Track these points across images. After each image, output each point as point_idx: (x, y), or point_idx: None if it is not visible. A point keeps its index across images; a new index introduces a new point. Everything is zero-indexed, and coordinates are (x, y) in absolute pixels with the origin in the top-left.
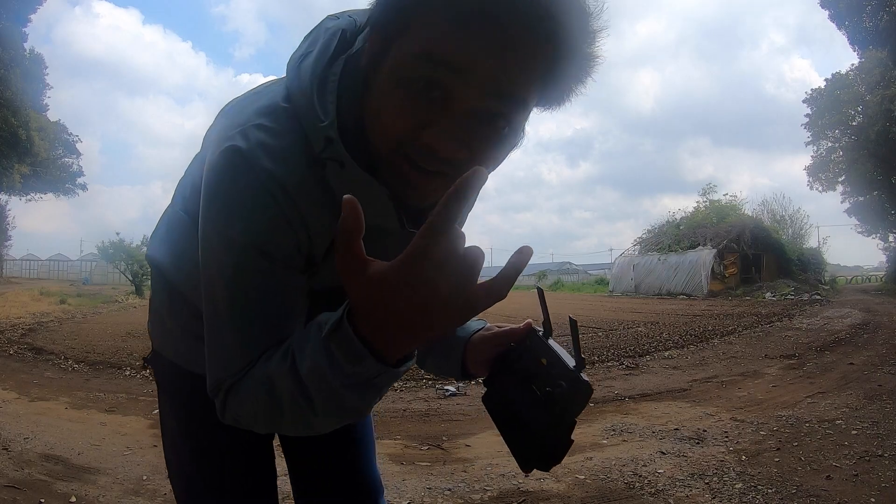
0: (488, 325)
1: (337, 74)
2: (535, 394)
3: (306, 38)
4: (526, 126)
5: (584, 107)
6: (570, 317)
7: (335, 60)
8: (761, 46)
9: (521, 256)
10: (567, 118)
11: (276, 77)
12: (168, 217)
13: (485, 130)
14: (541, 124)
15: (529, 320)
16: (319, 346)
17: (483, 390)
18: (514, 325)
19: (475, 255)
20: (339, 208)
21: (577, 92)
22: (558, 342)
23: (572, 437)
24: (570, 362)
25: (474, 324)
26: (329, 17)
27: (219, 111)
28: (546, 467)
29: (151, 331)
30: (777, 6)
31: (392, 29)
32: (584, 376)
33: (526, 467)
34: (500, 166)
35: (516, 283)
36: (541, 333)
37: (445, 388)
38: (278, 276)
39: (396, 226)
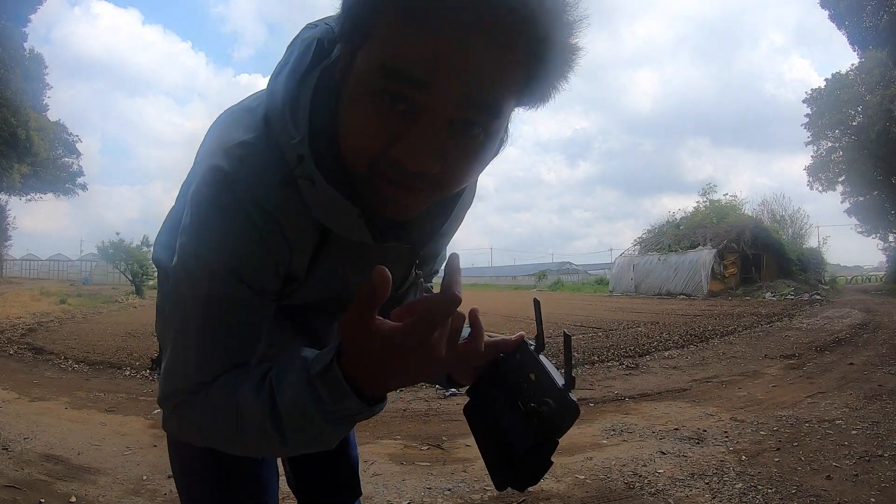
0: None
1: (311, 88)
2: (521, 411)
3: (287, 49)
4: (509, 127)
5: (584, 107)
6: (564, 332)
7: (310, 73)
8: (760, 46)
9: (453, 262)
10: (566, 118)
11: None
12: (172, 219)
13: (458, 141)
14: (540, 124)
15: (522, 333)
16: (304, 382)
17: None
18: (505, 337)
19: (454, 302)
20: (319, 226)
21: (560, 87)
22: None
23: (552, 458)
24: (560, 380)
25: (464, 331)
26: (307, 27)
27: (212, 123)
28: (521, 488)
29: (160, 333)
30: (776, 6)
31: (355, 38)
32: (573, 396)
33: (501, 486)
34: (494, 166)
35: (517, 283)
36: (532, 348)
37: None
38: (250, 302)
39: (371, 240)
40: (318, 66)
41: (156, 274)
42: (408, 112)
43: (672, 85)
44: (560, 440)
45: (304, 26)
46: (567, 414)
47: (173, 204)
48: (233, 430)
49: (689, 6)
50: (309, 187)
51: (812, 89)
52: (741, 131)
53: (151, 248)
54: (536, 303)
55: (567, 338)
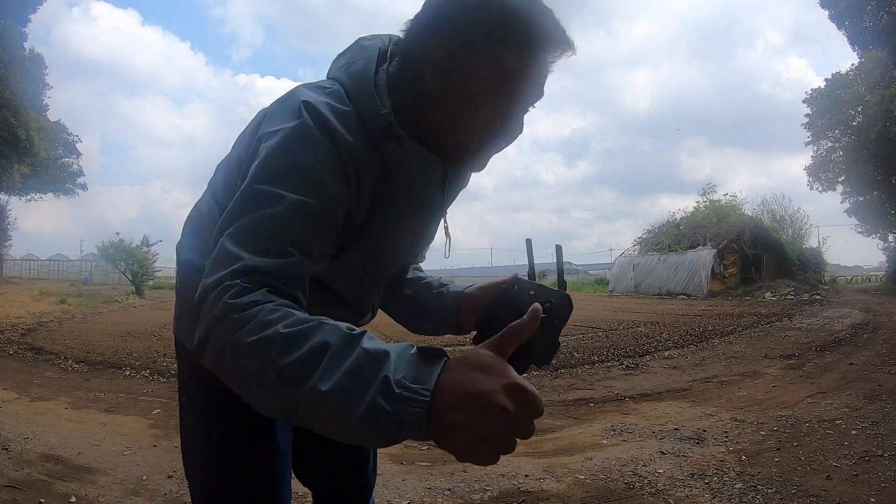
0: (476, 283)
1: (384, 79)
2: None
3: (345, 53)
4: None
5: (581, 107)
6: (556, 245)
7: (378, 69)
8: (757, 46)
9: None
10: (564, 118)
11: (282, 77)
12: (200, 218)
13: (511, 126)
14: (538, 124)
15: (516, 273)
16: (407, 356)
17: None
18: (502, 277)
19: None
20: (386, 175)
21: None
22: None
23: (559, 340)
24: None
25: (463, 283)
26: (363, 38)
27: (285, 95)
28: (540, 364)
29: (182, 327)
30: (773, 5)
31: (452, 65)
32: (567, 292)
33: (523, 370)
34: (492, 165)
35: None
36: (526, 279)
37: None
38: (332, 214)
39: (440, 179)
40: (383, 66)
41: (155, 274)
42: (501, 115)
43: (669, 85)
44: (561, 438)
45: (358, 38)
46: (565, 304)
47: (198, 202)
48: (275, 360)
49: (684, 6)
50: (395, 145)
51: (812, 89)
52: (738, 131)
53: (152, 249)
54: (528, 242)
55: (558, 248)
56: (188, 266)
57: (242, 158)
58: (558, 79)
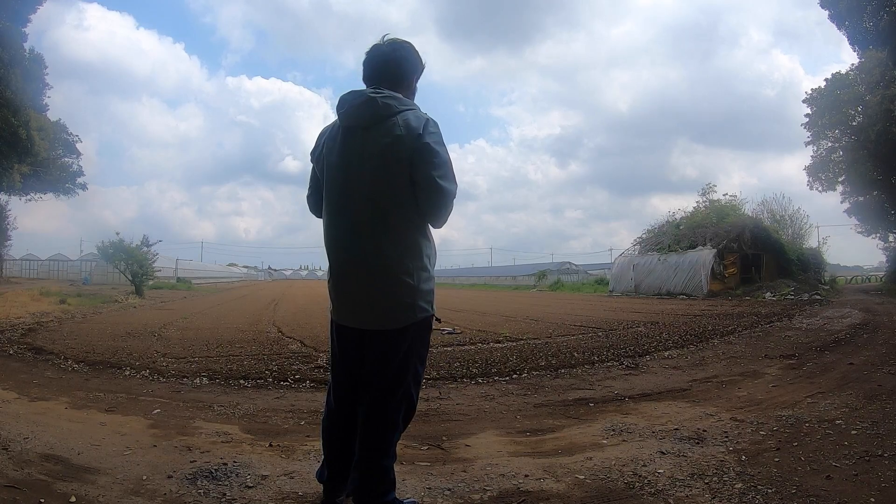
0: None
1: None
2: None
3: (400, 98)
4: None
5: (570, 108)
6: None
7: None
8: (741, 44)
9: None
10: (553, 119)
11: (271, 77)
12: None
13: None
14: (525, 126)
15: None
16: None
17: (478, 382)
18: None
19: None
20: None
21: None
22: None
23: None
24: None
25: None
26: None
27: (393, 99)
28: None
29: (421, 305)
30: (760, 4)
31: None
32: None
33: None
34: (485, 166)
35: (517, 283)
36: None
37: (443, 329)
38: None
39: None
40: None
41: (155, 274)
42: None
43: (656, 85)
44: (561, 438)
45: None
46: None
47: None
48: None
49: (665, 6)
50: None
51: (812, 89)
52: (728, 131)
53: (151, 249)
54: None
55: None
56: (418, 257)
57: (390, 157)
58: (552, 82)
